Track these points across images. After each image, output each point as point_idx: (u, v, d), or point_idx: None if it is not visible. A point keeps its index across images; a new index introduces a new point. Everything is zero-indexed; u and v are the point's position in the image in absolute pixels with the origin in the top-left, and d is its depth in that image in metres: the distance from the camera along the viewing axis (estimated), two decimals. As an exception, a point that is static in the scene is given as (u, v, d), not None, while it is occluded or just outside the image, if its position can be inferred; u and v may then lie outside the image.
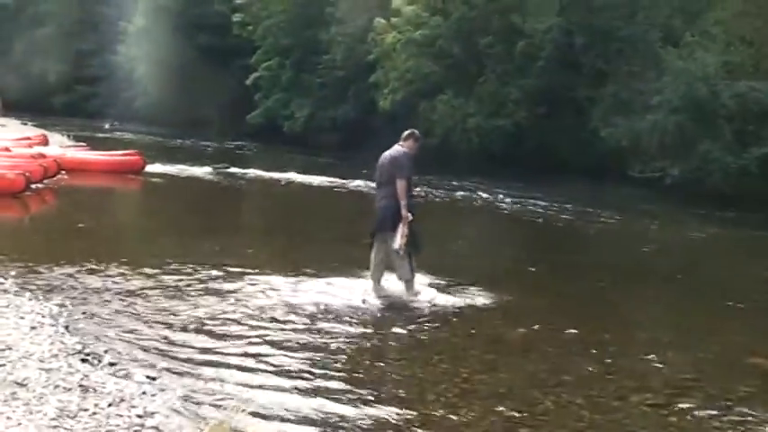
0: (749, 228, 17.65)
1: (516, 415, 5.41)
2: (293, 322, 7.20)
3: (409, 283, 8.50)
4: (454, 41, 30.41)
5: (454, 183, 22.72)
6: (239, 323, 7.06)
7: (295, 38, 38.91)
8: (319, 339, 6.76)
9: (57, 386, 5.08)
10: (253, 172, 23.27)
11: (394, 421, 5.16)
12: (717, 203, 20.83)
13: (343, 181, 22.25)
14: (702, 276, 12.33)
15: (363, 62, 33.84)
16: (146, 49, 47.66)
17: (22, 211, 14.45)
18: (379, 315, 7.84)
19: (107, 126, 43.34)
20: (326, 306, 7.85)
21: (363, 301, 8.16)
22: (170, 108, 44.46)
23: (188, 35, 45.05)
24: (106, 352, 5.91)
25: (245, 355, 6.21)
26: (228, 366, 5.92)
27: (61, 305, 7.11)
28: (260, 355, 6.24)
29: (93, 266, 8.80)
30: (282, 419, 5.01)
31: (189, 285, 8.30)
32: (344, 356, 6.41)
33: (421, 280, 8.74)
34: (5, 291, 7.52)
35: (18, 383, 5.04)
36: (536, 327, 7.83)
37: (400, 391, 5.78)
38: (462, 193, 21.33)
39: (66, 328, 6.43)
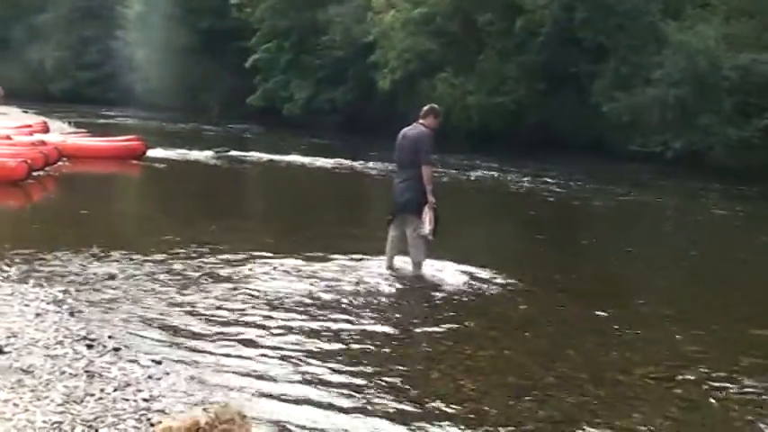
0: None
1: (520, 390, 5.43)
2: (299, 306, 7.18)
3: (419, 265, 8.49)
4: (453, 19, 30.29)
5: (457, 161, 22.66)
6: (244, 307, 7.05)
7: (293, 19, 38.75)
8: (325, 322, 6.73)
9: (63, 372, 5.10)
10: (254, 155, 23.25)
11: (398, 399, 5.18)
12: (727, 178, 20.83)
13: (344, 161, 22.25)
14: (713, 251, 12.35)
15: (362, 42, 33.69)
16: (145, 34, 47.57)
17: (25, 199, 14.46)
18: (388, 296, 7.81)
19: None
20: (332, 288, 7.83)
21: (372, 282, 8.15)
22: (170, 92, 44.46)
23: (187, 19, 44.94)
24: (111, 337, 5.93)
25: (250, 339, 6.20)
26: (234, 350, 5.93)
27: (65, 292, 7.12)
28: (264, 338, 6.25)
29: (97, 253, 8.81)
30: (286, 401, 5.03)
31: (193, 270, 8.30)
32: (349, 338, 6.40)
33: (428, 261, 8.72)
34: (9, 278, 7.55)
35: (24, 370, 5.07)
36: (540, 303, 7.86)
37: (405, 370, 5.79)
38: (465, 171, 21.29)
39: (71, 314, 6.45)
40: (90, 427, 4.35)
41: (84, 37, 56.01)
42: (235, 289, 7.63)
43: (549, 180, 19.87)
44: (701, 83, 23.63)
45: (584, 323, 7.22)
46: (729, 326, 7.52)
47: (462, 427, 4.81)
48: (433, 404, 5.12)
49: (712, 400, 5.43)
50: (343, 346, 6.18)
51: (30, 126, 23.63)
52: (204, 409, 4.51)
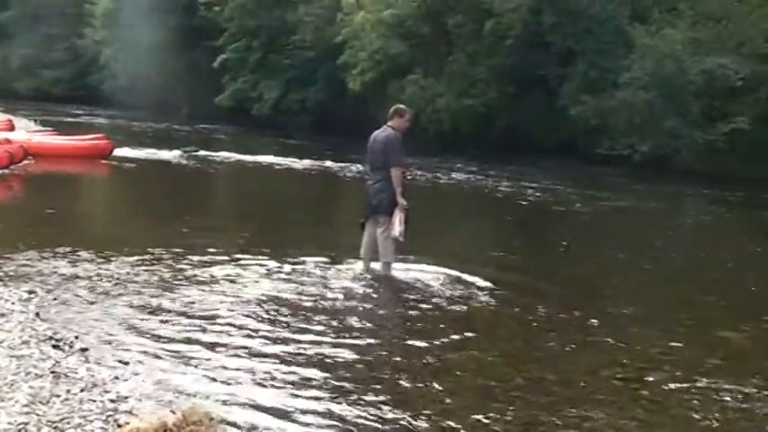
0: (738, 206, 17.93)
1: (489, 391, 5.46)
2: (271, 308, 7.14)
3: (388, 266, 8.55)
4: (423, 21, 30.34)
5: (429, 163, 22.72)
6: (214, 309, 6.99)
7: (262, 18, 38.61)
8: (296, 325, 6.71)
9: (28, 373, 5.04)
10: (222, 155, 23.14)
11: (363, 401, 5.18)
12: (695, 181, 21.09)
13: (314, 162, 22.23)
14: (686, 253, 12.50)
15: (332, 43, 33.65)
16: (112, 31, 47.14)
17: (-10, 198, 14.28)
18: (361, 298, 7.80)
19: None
20: (304, 290, 7.81)
21: (345, 284, 8.16)
22: (139, 91, 44.06)
23: (155, 17, 44.57)
24: (77, 338, 5.87)
25: (220, 341, 6.16)
26: (202, 352, 5.89)
27: (31, 292, 7.03)
28: (234, 340, 6.21)
29: (64, 252, 8.71)
30: (254, 404, 4.99)
31: (161, 271, 8.24)
32: (321, 342, 6.36)
33: (397, 265, 8.74)
34: (-26, 278, 7.45)
35: (-12, 371, 5.00)
36: (508, 305, 7.90)
37: (373, 373, 5.79)
38: (437, 174, 21.35)
39: (37, 314, 6.37)
40: (56, 428, 4.31)
41: (49, 34, 55.41)
42: (204, 291, 7.58)
43: (525, 183, 20.00)
44: (668, 87, 23.91)
45: (554, 325, 7.28)
46: (696, 328, 7.62)
47: (430, 428, 4.82)
48: (402, 406, 5.12)
49: (677, 402, 5.50)
50: (314, 350, 6.14)
51: (-5, 124, 23.33)
52: (172, 411, 4.49)
